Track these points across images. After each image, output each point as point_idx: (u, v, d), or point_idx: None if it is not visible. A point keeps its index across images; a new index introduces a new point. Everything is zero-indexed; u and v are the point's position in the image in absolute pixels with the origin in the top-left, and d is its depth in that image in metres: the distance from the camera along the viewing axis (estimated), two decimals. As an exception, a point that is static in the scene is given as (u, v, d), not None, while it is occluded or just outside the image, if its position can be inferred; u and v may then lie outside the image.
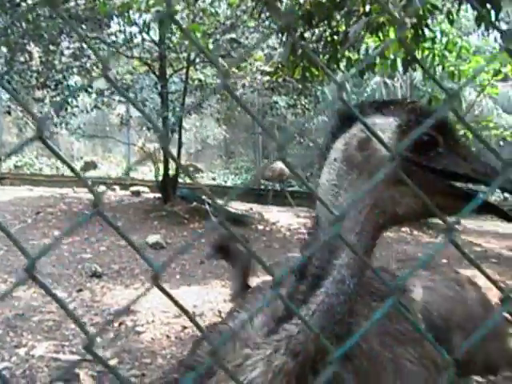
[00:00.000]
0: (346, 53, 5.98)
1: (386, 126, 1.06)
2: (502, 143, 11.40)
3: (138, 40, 8.28)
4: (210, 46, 7.16)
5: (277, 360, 0.98)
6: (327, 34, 5.23)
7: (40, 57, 8.03)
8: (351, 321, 1.05)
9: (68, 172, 15.47)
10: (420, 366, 1.52)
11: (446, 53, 8.40)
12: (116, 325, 4.43)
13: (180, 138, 9.34)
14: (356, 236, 1.03)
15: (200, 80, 8.83)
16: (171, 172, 9.44)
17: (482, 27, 5.81)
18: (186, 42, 7.34)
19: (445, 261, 7.54)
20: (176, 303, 0.65)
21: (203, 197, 9.90)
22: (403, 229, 9.68)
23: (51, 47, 8.17)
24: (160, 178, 9.59)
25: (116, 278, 5.87)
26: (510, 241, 9.06)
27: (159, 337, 4.22)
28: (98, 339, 4.17)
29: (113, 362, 3.68)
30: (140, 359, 3.81)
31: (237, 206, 10.69)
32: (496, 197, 13.13)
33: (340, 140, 1.10)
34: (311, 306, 1.00)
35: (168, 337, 4.27)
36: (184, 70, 8.99)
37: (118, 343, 4.12)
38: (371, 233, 1.05)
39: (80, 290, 5.33)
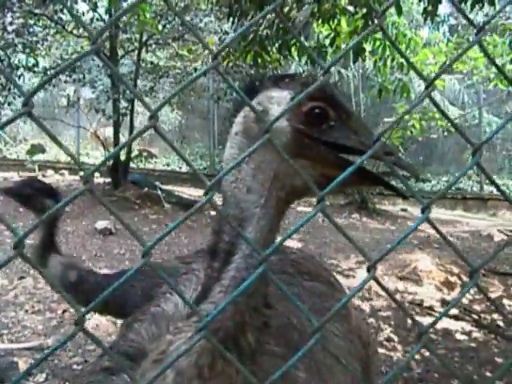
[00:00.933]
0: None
1: (281, 99, 1.07)
2: (446, 133, 11.93)
3: (86, 18, 7.91)
4: (160, 28, 6.97)
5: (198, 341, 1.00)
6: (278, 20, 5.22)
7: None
8: (266, 293, 1.07)
9: (12, 155, 14.74)
10: (346, 340, 1.61)
11: (396, 44, 8.63)
12: (60, 312, 4.32)
13: (132, 121, 9.10)
14: (261, 209, 1.04)
15: (152, 63, 8.61)
16: (122, 157, 9.21)
17: (432, 21, 6.03)
18: (136, 23, 7.11)
19: (389, 246, 7.89)
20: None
21: (156, 183, 9.75)
22: (353, 215, 10.00)
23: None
24: (110, 163, 9.33)
25: (61, 265, 5.69)
26: (451, 227, 9.56)
27: (104, 323, 4.15)
28: (40, 327, 4.06)
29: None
30: (83, 346, 3.74)
31: (190, 193, 10.61)
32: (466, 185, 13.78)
33: (240, 113, 1.11)
34: (224, 283, 1.01)
35: (114, 323, 4.22)
36: (136, 52, 8.73)
37: (61, 330, 4.02)
38: (275, 206, 1.05)
39: (22, 278, 5.14)
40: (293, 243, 6.71)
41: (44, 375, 3.22)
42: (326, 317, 0.76)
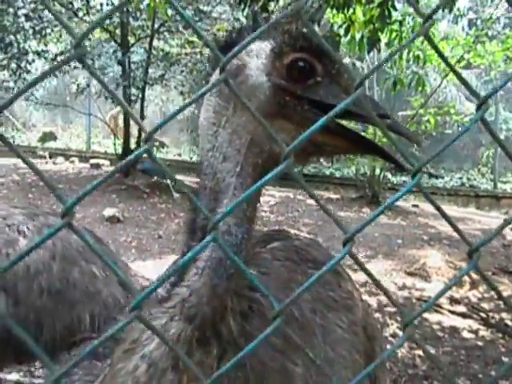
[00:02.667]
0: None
1: (260, 50, 0.94)
2: (460, 129, 11.68)
3: (96, 3, 7.86)
4: (170, 14, 6.89)
5: (173, 328, 0.90)
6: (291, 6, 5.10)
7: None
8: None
9: (24, 142, 14.85)
10: (349, 333, 1.52)
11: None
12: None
13: (142, 109, 9.06)
14: (237, 179, 0.93)
15: (163, 50, 8.54)
16: (133, 146, 9.20)
17: (450, 11, 5.85)
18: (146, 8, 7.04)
19: (399, 241, 7.76)
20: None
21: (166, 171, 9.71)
22: (363, 209, 9.86)
23: (1, 6, 7.66)
24: (120, 151, 9.32)
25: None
26: (462, 224, 9.38)
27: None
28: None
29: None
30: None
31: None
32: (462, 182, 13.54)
33: (216, 71, 0.98)
34: (199, 264, 0.91)
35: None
36: (147, 40, 8.67)
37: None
38: (252, 175, 0.93)
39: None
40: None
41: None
42: (289, 299, 0.66)
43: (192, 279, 0.91)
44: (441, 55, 0.72)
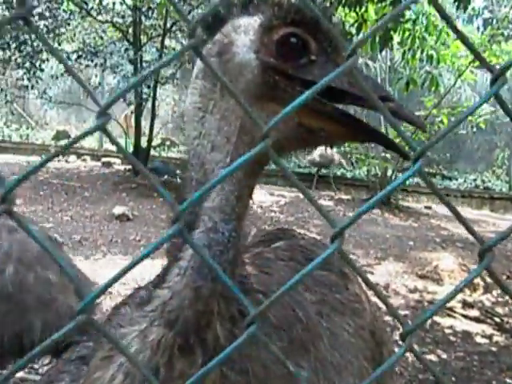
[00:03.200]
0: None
1: (248, 26, 0.85)
2: (475, 130, 11.49)
3: (108, 2, 7.90)
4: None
5: (152, 334, 0.82)
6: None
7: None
8: (242, 277, 0.90)
9: (38, 140, 15.00)
10: (357, 337, 1.46)
11: (426, 35, 8.31)
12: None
13: (153, 108, 9.08)
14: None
15: (175, 49, 8.54)
16: (144, 145, 9.22)
17: (465, 11, 5.74)
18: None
19: (411, 243, 7.64)
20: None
21: (177, 171, 9.73)
22: (374, 210, 9.74)
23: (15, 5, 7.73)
24: (131, 150, 9.35)
25: (77, 249, 5.71)
26: (476, 227, 9.21)
27: (114, 308, 4.11)
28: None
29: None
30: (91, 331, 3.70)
31: (210, 182, 10.56)
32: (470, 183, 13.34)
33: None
34: (182, 263, 0.82)
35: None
36: (159, 39, 8.69)
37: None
38: (244, 166, 0.82)
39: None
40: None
41: (49, 357, 3.19)
42: (264, 304, 0.58)
43: (174, 280, 0.83)
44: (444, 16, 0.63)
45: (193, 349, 0.81)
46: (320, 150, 11.49)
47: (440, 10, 0.62)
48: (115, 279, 0.51)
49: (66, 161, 11.83)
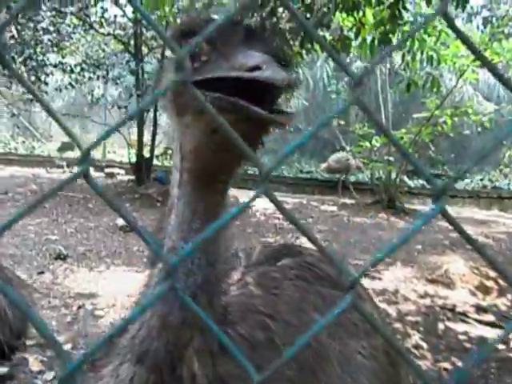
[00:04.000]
0: (321, 32, 5.82)
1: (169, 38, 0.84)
2: (479, 130, 11.38)
3: (110, 15, 7.93)
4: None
5: (124, 372, 0.77)
6: (301, 10, 5.03)
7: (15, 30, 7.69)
8: (219, 308, 0.84)
9: (43, 152, 15.09)
10: (370, 359, 1.40)
11: (426, 37, 8.27)
12: (74, 308, 4.28)
13: (155, 118, 9.09)
14: (179, 189, 0.85)
15: (175, 59, 8.56)
16: (147, 155, 9.23)
17: (463, 9, 5.70)
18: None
19: (419, 247, 7.52)
20: None
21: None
22: (380, 214, 9.65)
23: (21, 20, 7.79)
24: (134, 160, 9.36)
25: (81, 261, 5.68)
26: (485, 227, 9.08)
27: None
28: (54, 323, 4.01)
29: (66, 347, 3.53)
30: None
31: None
32: (475, 184, 13.20)
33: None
34: (149, 291, 0.81)
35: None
36: (160, 50, 8.70)
37: (74, 327, 3.96)
38: (192, 184, 0.83)
39: (41, 273, 5.14)
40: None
41: (53, 373, 3.15)
42: (271, 369, 0.50)
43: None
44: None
45: None
46: (336, 156, 11.38)
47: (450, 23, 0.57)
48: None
49: (71, 172, 11.89)
